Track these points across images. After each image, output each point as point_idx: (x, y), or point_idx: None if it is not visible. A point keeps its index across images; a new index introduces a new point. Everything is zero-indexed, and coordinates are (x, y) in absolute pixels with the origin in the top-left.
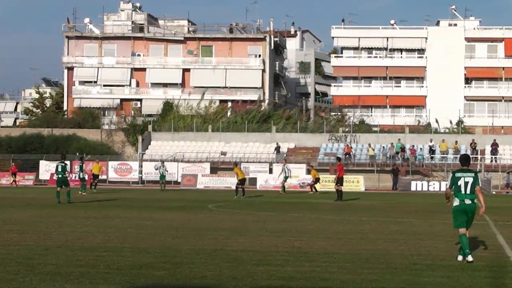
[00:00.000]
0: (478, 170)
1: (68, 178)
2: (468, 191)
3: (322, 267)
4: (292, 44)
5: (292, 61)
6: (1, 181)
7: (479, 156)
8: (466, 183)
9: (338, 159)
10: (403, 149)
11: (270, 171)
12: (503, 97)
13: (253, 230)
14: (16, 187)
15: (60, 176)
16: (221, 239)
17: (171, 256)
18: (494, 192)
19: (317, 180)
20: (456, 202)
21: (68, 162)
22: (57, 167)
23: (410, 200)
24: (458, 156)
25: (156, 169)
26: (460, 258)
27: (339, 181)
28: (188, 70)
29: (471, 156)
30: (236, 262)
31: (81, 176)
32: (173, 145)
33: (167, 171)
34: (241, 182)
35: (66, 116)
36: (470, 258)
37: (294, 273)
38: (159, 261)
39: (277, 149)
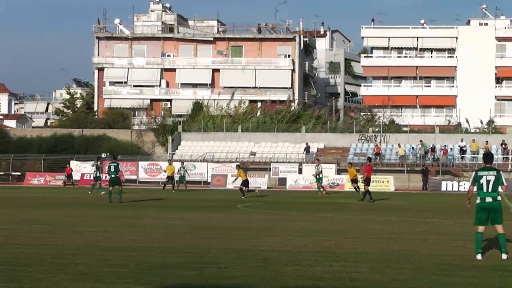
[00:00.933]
0: (509, 170)
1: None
2: (490, 189)
3: (351, 267)
4: (321, 44)
5: (322, 61)
6: (32, 181)
7: (510, 156)
8: (488, 181)
9: (369, 159)
10: (433, 149)
11: (300, 171)
12: None
13: (282, 230)
14: (69, 187)
15: (112, 176)
16: (250, 239)
17: (200, 256)
18: None
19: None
20: (478, 200)
21: (119, 163)
22: (109, 167)
23: (440, 200)
24: None
25: (176, 172)
26: (479, 256)
27: (366, 182)
28: (217, 70)
29: (502, 156)
30: (265, 262)
31: (97, 175)
32: (203, 145)
33: (187, 172)
34: (244, 183)
35: (96, 116)
36: (479, 256)
37: (323, 273)
38: (188, 261)
39: (307, 149)
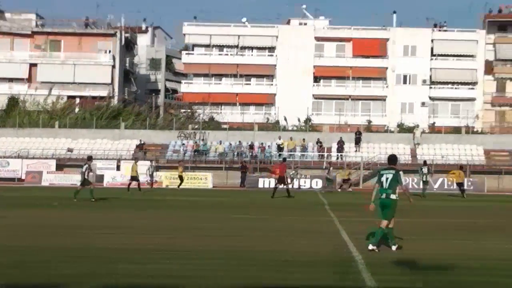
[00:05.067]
0: (324, 167)
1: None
2: (386, 186)
3: (190, 266)
4: (143, 41)
5: (143, 57)
6: None
7: (325, 154)
8: (386, 179)
9: (284, 159)
10: (251, 146)
11: (118, 168)
12: (350, 95)
13: (110, 227)
14: None
15: None
16: (80, 236)
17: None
18: (339, 190)
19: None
20: (378, 196)
21: None
22: None
23: (257, 197)
24: (306, 153)
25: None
26: (370, 247)
27: (279, 180)
28: (35, 65)
29: (318, 154)
30: (98, 259)
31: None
32: (18, 142)
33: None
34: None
35: None
36: (370, 247)
37: (157, 271)
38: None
39: (140, 146)
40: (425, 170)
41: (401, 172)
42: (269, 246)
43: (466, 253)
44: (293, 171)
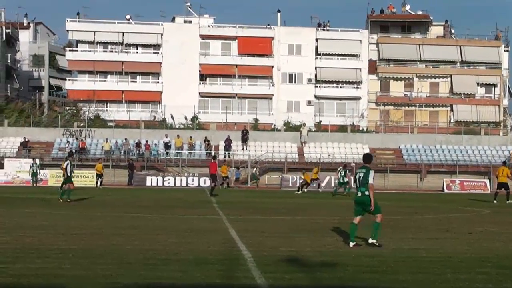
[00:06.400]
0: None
1: None
2: (359, 185)
3: (54, 264)
4: (25, 36)
5: (25, 53)
6: None
7: (213, 152)
8: (359, 178)
9: (213, 157)
10: (138, 144)
11: (2, 166)
12: (236, 94)
13: None
14: None
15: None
16: None
17: None
18: (226, 187)
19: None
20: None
21: None
22: None
23: (145, 195)
24: (193, 151)
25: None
26: (351, 244)
27: (212, 178)
28: None
29: (206, 152)
30: None
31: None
32: None
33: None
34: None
35: None
36: (351, 244)
37: (25, 270)
38: None
39: (25, 143)
40: (342, 172)
41: (371, 171)
42: (152, 244)
43: (355, 250)
44: (255, 169)
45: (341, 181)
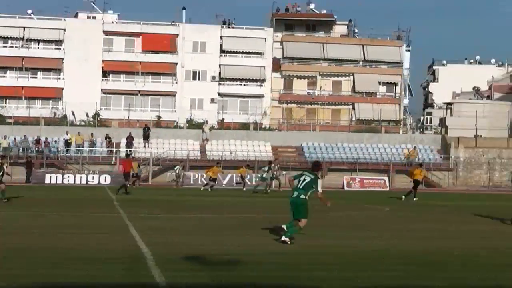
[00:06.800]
0: (113, 163)
1: None
2: (300, 186)
3: None
4: None
5: None
6: None
7: (114, 149)
8: (303, 180)
9: (127, 155)
10: (38, 141)
11: None
12: (139, 91)
13: None
14: None
15: None
16: None
17: None
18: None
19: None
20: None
21: None
22: None
23: (42, 193)
24: (94, 148)
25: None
26: (283, 238)
27: (125, 177)
28: None
29: (107, 149)
30: None
31: None
32: None
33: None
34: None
35: None
36: (283, 238)
37: None
38: None
39: None
40: (266, 169)
41: (319, 180)
42: (51, 243)
43: (253, 248)
44: (178, 167)
45: (263, 176)
